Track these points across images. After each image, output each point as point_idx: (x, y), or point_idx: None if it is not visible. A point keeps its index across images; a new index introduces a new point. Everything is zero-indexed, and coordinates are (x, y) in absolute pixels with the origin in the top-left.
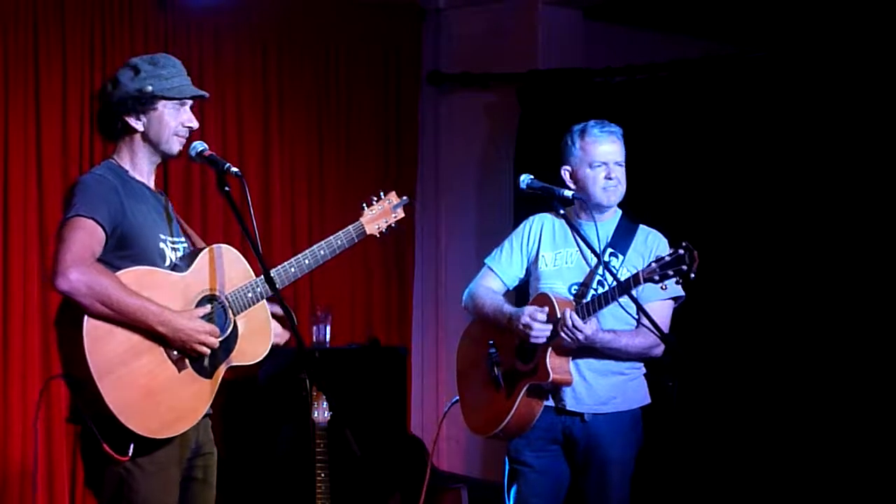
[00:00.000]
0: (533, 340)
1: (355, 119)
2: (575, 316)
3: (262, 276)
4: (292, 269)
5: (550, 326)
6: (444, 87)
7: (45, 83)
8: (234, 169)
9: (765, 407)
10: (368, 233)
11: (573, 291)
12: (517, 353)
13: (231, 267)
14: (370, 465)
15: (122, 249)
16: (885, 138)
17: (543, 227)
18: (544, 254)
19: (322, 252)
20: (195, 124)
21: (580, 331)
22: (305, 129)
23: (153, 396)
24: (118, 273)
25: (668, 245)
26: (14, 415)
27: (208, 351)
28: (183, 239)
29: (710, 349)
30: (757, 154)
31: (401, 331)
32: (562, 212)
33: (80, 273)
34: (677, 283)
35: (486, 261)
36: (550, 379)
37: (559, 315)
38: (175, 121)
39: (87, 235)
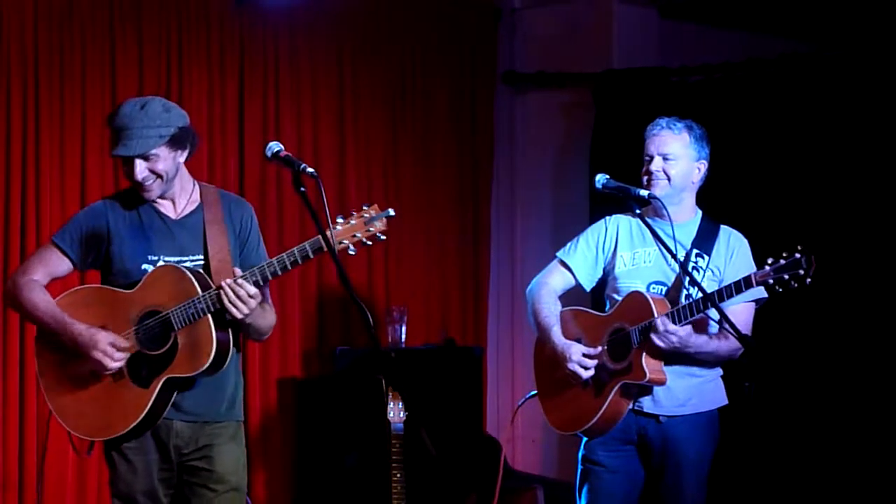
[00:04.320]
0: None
1: (431, 119)
2: (667, 321)
3: (207, 293)
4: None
5: (592, 371)
6: (519, 87)
7: (122, 84)
8: (310, 169)
9: (842, 407)
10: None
11: (653, 290)
12: (608, 352)
13: (176, 285)
14: (446, 465)
15: (108, 270)
16: None
17: (620, 227)
18: (622, 254)
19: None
20: None
21: (673, 334)
22: (381, 129)
23: (88, 402)
24: (69, 291)
25: (748, 245)
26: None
27: (111, 362)
28: (197, 256)
29: (788, 350)
30: (834, 153)
31: (476, 331)
32: (637, 212)
33: (9, 285)
34: (791, 287)
35: (557, 254)
36: (647, 378)
37: (655, 316)
38: None
39: (44, 257)
